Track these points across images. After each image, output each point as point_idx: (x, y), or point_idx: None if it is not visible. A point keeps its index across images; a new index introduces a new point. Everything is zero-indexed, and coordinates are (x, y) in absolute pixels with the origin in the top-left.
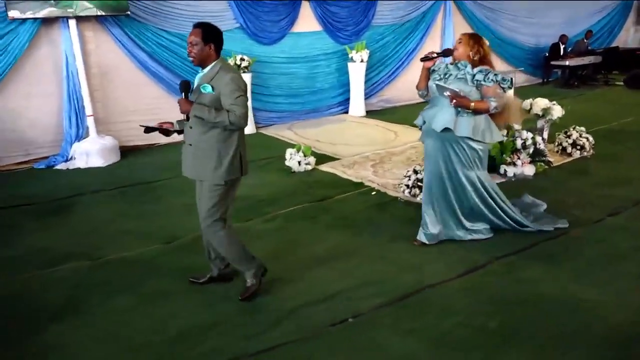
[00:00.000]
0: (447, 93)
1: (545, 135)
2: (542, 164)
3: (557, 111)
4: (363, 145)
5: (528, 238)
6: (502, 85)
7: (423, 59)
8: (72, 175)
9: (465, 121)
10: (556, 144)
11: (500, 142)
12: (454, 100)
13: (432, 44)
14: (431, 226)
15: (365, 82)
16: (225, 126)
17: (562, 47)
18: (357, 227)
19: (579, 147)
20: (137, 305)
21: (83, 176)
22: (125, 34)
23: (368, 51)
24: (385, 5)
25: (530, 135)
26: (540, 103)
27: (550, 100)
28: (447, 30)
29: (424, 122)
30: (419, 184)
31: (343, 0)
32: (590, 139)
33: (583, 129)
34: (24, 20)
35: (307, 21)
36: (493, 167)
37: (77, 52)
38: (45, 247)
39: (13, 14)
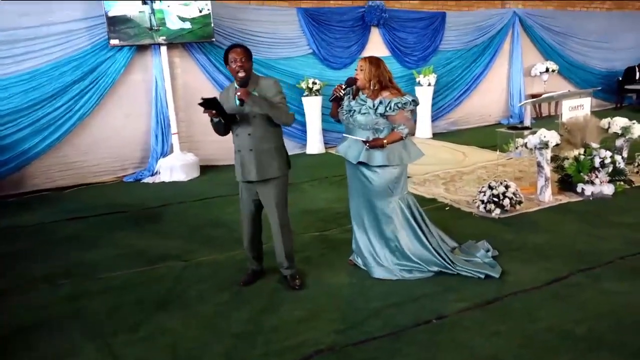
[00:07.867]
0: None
1: (625, 154)
2: (623, 183)
3: (638, 130)
4: (433, 164)
5: (612, 252)
6: (407, 109)
7: (332, 100)
8: (158, 187)
9: (378, 151)
10: (635, 164)
11: (577, 160)
12: (367, 145)
13: (500, 67)
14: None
15: (432, 105)
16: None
17: (638, 71)
18: None
19: None
20: (231, 300)
21: (168, 189)
22: (208, 59)
23: (436, 75)
24: (452, 31)
25: (609, 154)
26: (620, 122)
27: None
28: (515, 54)
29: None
30: (494, 199)
31: (412, 19)
32: None
33: None
34: (122, 47)
35: (376, 47)
36: (569, 185)
37: (166, 76)
38: (143, 248)
39: (114, 42)
